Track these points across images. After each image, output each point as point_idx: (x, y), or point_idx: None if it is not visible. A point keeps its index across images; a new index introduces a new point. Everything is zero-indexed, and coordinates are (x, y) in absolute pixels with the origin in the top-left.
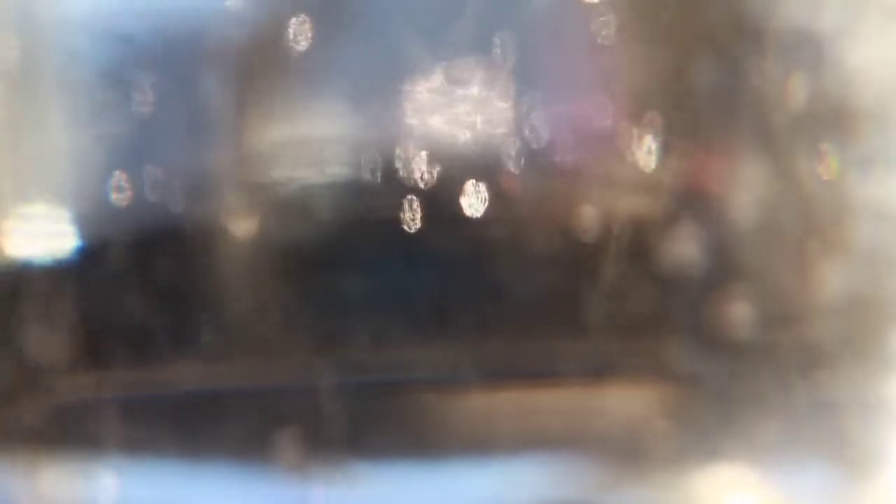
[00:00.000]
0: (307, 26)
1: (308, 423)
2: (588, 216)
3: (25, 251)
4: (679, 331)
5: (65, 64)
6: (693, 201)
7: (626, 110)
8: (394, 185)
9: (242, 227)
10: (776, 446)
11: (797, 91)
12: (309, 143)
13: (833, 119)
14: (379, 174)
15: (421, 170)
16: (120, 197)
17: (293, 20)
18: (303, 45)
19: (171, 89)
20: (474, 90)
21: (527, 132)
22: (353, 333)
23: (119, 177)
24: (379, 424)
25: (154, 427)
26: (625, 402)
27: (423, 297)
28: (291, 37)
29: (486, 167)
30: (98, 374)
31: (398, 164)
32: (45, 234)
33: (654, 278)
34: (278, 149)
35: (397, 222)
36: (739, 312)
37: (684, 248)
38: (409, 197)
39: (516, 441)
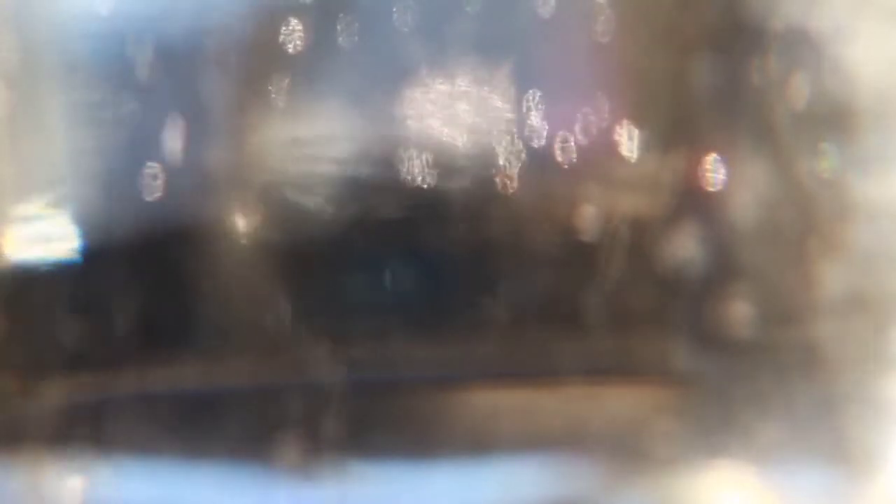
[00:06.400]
0: (308, 26)
1: (308, 422)
2: (588, 216)
3: (25, 252)
4: (679, 330)
5: (65, 64)
6: (693, 201)
7: (626, 110)
8: (394, 185)
9: (243, 226)
10: (776, 446)
11: (797, 91)
12: (309, 143)
13: (833, 119)
14: (379, 173)
15: (421, 169)
16: (120, 197)
17: (294, 20)
18: (303, 44)
19: (171, 89)
20: (474, 90)
21: (527, 132)
22: (353, 333)
23: (119, 177)
24: (379, 424)
25: (154, 427)
26: (625, 402)
27: (423, 297)
28: (292, 36)
29: (485, 166)
30: (98, 374)
31: (398, 164)
32: (45, 235)
33: (654, 278)
34: (278, 148)
35: (397, 222)
36: (739, 312)
37: (684, 248)
38: (410, 195)
39: (516, 441)
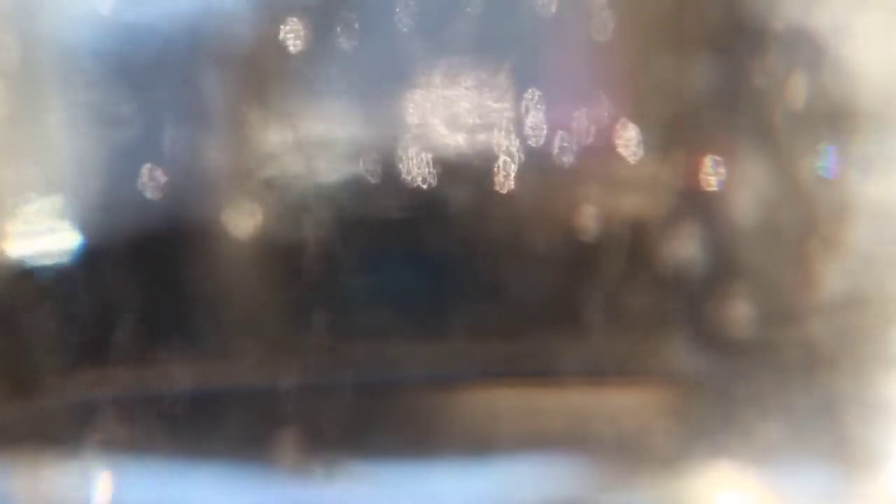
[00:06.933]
0: (308, 26)
1: (308, 422)
2: (588, 216)
3: (26, 251)
4: (679, 330)
5: (65, 63)
6: (693, 200)
7: (626, 110)
8: (394, 185)
9: (242, 226)
10: (776, 446)
11: (797, 90)
12: (309, 143)
13: (833, 119)
14: (379, 173)
15: (421, 169)
16: (120, 196)
17: (294, 20)
18: (303, 44)
19: (171, 88)
20: (474, 90)
21: (526, 132)
22: (353, 333)
23: (119, 176)
24: (379, 424)
25: (154, 427)
26: (625, 402)
27: (422, 297)
28: (292, 36)
29: (485, 167)
30: (98, 374)
31: (398, 164)
32: (45, 234)
33: (654, 278)
34: (278, 148)
35: (397, 222)
36: (739, 312)
37: (684, 248)
38: (410, 195)
39: (516, 441)
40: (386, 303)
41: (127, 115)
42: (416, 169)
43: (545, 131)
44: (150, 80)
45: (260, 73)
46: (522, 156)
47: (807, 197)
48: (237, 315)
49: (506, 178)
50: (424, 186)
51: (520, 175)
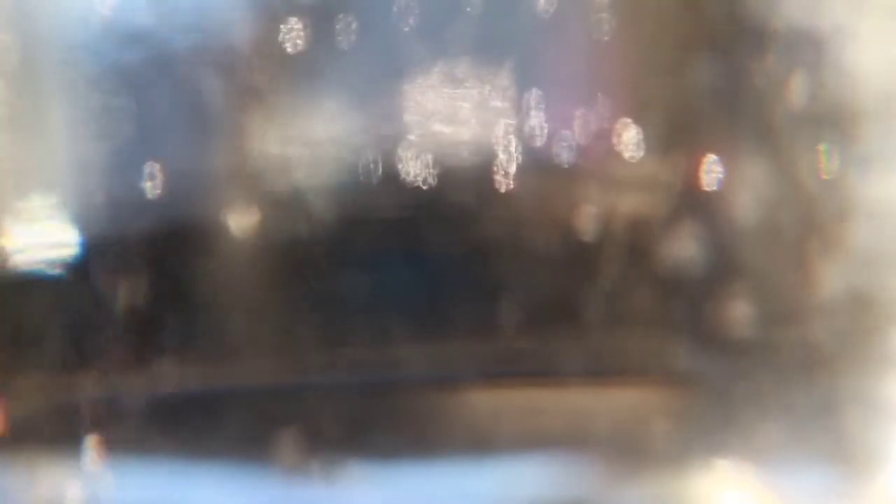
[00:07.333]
0: (308, 26)
1: (308, 423)
2: (588, 216)
3: (26, 250)
4: (679, 330)
5: (65, 64)
6: (693, 201)
7: (626, 110)
8: (394, 185)
9: (243, 226)
10: (776, 446)
11: (797, 91)
12: (309, 143)
13: (833, 119)
14: (379, 174)
15: (421, 169)
16: (120, 197)
17: (294, 20)
18: (303, 44)
19: (171, 89)
20: (474, 89)
21: (527, 131)
22: (353, 333)
23: (119, 177)
24: (379, 424)
25: (154, 427)
26: (625, 402)
27: (423, 297)
28: (292, 36)
29: (485, 166)
30: (98, 374)
31: (398, 164)
32: (45, 234)
33: (654, 278)
34: (278, 149)
35: (397, 222)
36: (739, 312)
37: (684, 248)
38: (410, 195)
39: (516, 440)
40: (386, 303)
41: (127, 115)
42: (416, 169)
43: (545, 131)
44: (149, 81)
45: (259, 73)
46: (522, 156)
47: (807, 197)
48: (237, 315)
49: (506, 178)
50: (424, 186)
51: (520, 175)
